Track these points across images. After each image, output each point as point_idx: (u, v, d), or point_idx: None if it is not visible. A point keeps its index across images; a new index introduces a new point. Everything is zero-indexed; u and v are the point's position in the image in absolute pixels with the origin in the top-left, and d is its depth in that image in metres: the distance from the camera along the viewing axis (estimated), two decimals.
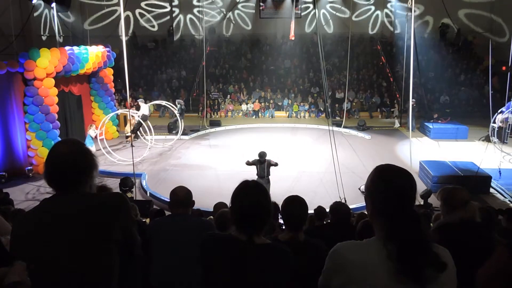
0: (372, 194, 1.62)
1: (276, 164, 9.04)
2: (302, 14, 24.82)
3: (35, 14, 21.54)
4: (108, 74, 15.21)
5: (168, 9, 25.37)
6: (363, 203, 8.06)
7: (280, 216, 3.03)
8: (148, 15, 25.34)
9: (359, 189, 9.57)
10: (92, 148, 12.90)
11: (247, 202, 1.83)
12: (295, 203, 2.66)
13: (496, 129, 13.80)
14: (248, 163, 9.13)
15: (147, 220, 5.76)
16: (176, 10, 25.66)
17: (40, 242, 1.63)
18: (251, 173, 9.26)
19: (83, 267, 1.62)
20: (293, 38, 17.64)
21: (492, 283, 1.87)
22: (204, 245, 1.90)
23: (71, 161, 1.71)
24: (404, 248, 1.46)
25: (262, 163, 8.95)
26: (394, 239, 1.49)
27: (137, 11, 25.02)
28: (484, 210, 3.19)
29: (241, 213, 1.83)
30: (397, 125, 17.80)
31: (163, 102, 16.14)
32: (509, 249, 1.91)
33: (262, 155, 8.96)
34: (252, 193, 1.86)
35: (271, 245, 1.85)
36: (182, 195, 3.12)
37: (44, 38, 22.42)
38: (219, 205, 5.61)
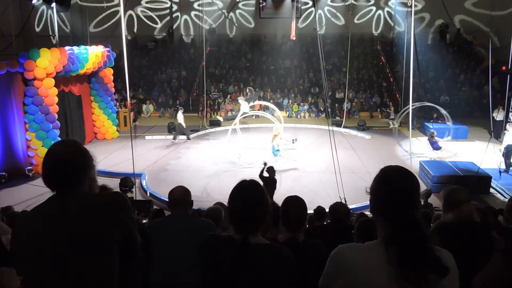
0: (375, 194, 1.62)
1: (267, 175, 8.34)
2: (302, 14, 24.82)
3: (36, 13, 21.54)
4: (108, 74, 15.22)
5: (168, 4, 25.32)
6: (363, 203, 8.07)
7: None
8: (150, 12, 25.34)
9: (366, 189, 9.54)
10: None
11: (241, 201, 1.82)
12: (295, 203, 2.65)
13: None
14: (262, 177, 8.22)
15: (147, 220, 5.75)
16: (175, 7, 25.62)
17: (41, 242, 1.63)
18: (251, 172, 9.28)
19: (83, 267, 1.62)
20: (294, 38, 17.67)
21: None
22: (202, 246, 1.90)
23: (68, 161, 1.71)
24: (405, 253, 1.45)
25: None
26: (395, 242, 1.48)
27: (138, 9, 25.00)
28: (479, 210, 3.19)
29: (235, 212, 1.83)
30: (391, 125, 17.33)
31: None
32: (504, 255, 1.91)
33: (270, 169, 8.35)
34: (246, 192, 1.84)
35: (270, 246, 1.83)
36: (179, 195, 3.10)
37: (43, 38, 22.39)
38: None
